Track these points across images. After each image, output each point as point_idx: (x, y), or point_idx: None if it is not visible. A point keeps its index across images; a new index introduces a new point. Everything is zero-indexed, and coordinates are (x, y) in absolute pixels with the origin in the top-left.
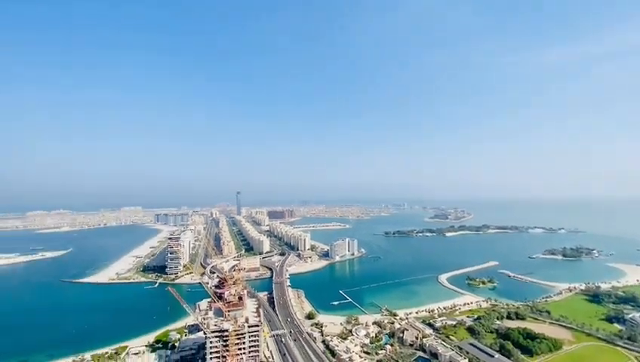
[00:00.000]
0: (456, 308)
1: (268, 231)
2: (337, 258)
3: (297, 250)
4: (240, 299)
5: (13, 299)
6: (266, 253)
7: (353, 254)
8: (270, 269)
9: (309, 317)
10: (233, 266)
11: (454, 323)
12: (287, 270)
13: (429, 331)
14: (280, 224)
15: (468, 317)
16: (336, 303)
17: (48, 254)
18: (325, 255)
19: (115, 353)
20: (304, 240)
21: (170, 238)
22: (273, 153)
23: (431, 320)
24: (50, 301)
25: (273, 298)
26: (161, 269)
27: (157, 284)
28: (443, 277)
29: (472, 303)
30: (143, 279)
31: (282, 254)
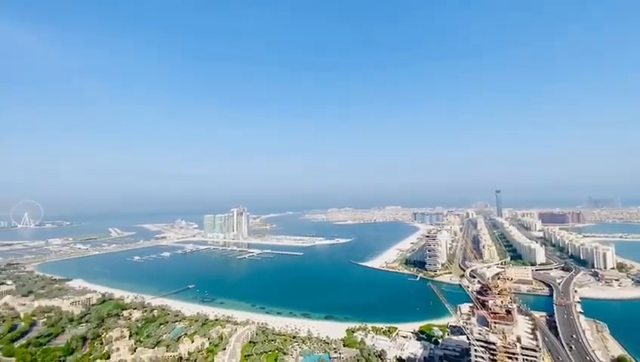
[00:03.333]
0: None
1: (541, 237)
2: None
3: (592, 266)
4: (508, 312)
5: (322, 269)
6: (540, 264)
7: None
8: (548, 286)
9: None
10: (497, 274)
11: None
12: (576, 291)
13: None
14: (560, 230)
15: None
16: None
17: (341, 240)
18: None
19: (388, 330)
20: (603, 254)
21: (427, 236)
22: (536, 143)
23: None
24: (345, 275)
25: (555, 322)
26: (421, 264)
27: (418, 278)
28: None
29: None
30: (405, 271)
31: (566, 269)
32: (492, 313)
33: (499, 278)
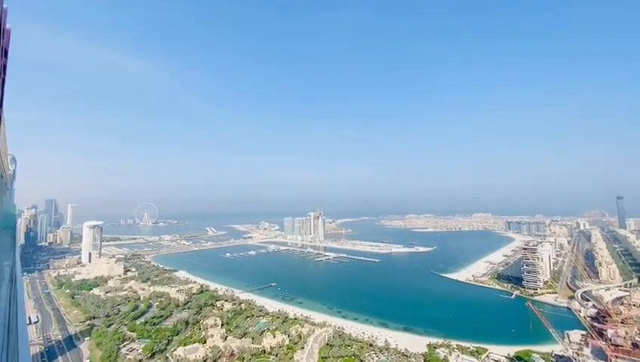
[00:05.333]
0: None
1: None
2: None
3: None
4: (636, 346)
5: (400, 278)
6: None
7: None
8: None
9: None
10: (619, 298)
11: None
12: None
13: None
14: None
15: None
16: None
17: (421, 249)
18: None
19: (476, 351)
20: None
21: (525, 248)
22: None
23: None
24: (425, 286)
25: None
26: (516, 280)
27: (513, 296)
28: None
29: None
30: (497, 287)
31: None
32: (613, 345)
33: (622, 303)
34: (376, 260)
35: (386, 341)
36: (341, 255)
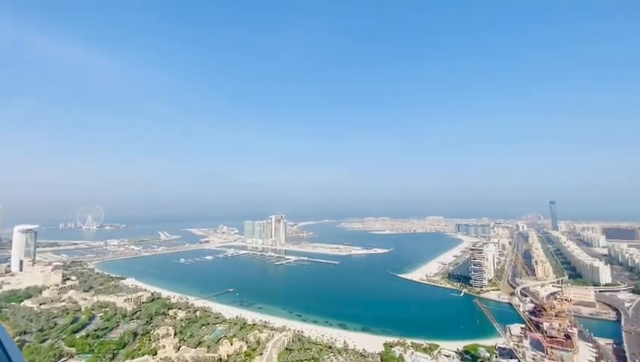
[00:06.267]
0: None
1: (606, 255)
2: None
3: None
4: (568, 337)
5: (359, 279)
6: (605, 285)
7: None
8: (615, 310)
9: None
10: (553, 293)
11: None
12: None
13: None
14: (628, 247)
15: None
16: None
17: (378, 250)
18: None
19: (429, 348)
20: None
21: (472, 249)
22: (594, 148)
23: None
24: (382, 286)
25: (624, 351)
26: (465, 279)
27: (462, 294)
28: None
29: None
30: (448, 285)
31: (637, 292)
32: (548, 337)
33: (555, 298)
34: (337, 262)
35: (344, 342)
36: (302, 258)
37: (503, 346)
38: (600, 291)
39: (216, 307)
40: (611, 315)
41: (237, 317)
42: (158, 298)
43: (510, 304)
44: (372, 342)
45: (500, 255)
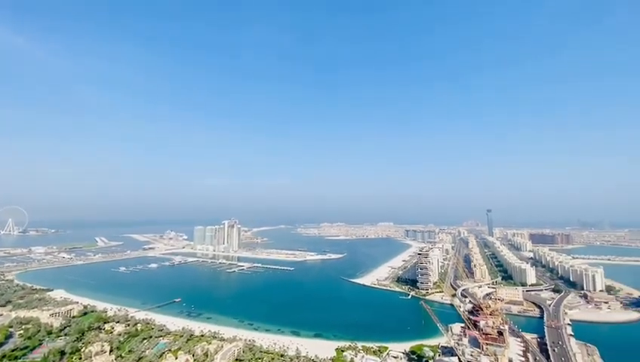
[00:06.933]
0: None
1: (532, 258)
2: None
3: (581, 288)
4: (500, 334)
5: (313, 285)
6: (531, 285)
7: None
8: (539, 307)
9: None
10: (488, 294)
11: None
12: (566, 313)
13: None
14: (550, 251)
15: None
16: None
17: (333, 256)
18: (635, 304)
19: (378, 350)
20: (593, 276)
21: (419, 254)
22: (531, 162)
23: None
24: (335, 292)
25: (545, 344)
26: (412, 282)
27: (409, 296)
28: None
29: None
30: (397, 289)
31: (556, 290)
32: (484, 334)
33: (490, 298)
34: (291, 268)
35: (297, 349)
36: (255, 264)
37: (445, 345)
38: (527, 291)
39: (161, 319)
40: (536, 312)
41: (183, 328)
42: (92, 311)
43: (452, 305)
44: (324, 348)
45: (444, 259)
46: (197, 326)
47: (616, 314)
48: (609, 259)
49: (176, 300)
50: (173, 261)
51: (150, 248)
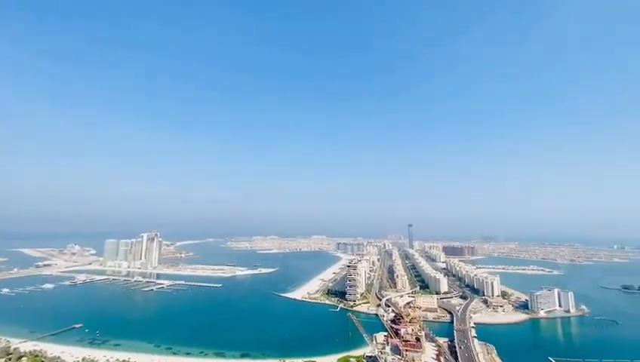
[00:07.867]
0: None
1: (444, 268)
2: (542, 313)
3: (482, 294)
4: (418, 340)
5: (241, 302)
6: (444, 293)
7: (568, 311)
8: (450, 313)
9: None
10: (408, 303)
11: None
12: (471, 317)
13: None
14: (459, 262)
15: None
16: None
17: (264, 270)
18: (523, 306)
19: None
20: (491, 284)
21: (348, 266)
22: (448, 184)
23: None
24: (265, 308)
25: (455, 346)
26: (342, 294)
27: (338, 308)
28: None
29: None
30: (327, 301)
31: (463, 297)
32: (404, 341)
33: (410, 307)
34: (219, 285)
35: None
36: (178, 282)
37: (370, 354)
38: (440, 298)
39: (55, 349)
40: (447, 318)
41: (83, 359)
42: None
43: (377, 314)
44: None
45: (370, 270)
46: (102, 355)
47: (509, 316)
48: (504, 268)
49: (77, 326)
50: (76, 280)
51: (46, 265)
